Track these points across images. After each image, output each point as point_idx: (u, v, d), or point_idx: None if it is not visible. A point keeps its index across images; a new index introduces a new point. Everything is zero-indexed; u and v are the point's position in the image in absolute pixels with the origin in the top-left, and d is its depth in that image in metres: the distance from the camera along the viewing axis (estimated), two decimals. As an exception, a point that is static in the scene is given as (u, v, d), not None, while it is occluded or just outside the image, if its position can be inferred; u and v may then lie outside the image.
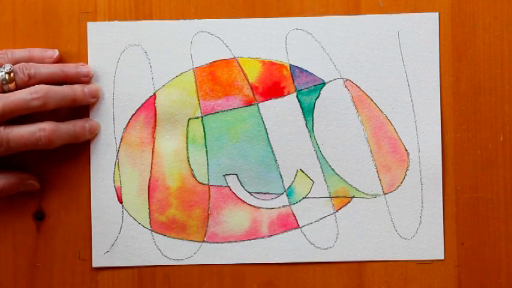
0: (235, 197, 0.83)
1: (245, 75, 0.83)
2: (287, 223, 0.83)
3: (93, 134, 0.82)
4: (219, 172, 0.83)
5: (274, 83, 0.83)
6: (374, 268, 0.83)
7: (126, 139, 0.83)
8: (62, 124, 0.80)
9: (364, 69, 0.83)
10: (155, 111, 0.83)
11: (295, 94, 0.83)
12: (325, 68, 0.83)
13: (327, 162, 0.83)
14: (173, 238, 0.83)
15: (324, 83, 0.83)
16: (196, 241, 0.83)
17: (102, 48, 0.83)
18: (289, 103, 0.83)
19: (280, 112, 0.83)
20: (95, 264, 0.83)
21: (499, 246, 0.82)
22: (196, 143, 0.83)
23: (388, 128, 0.83)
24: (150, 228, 0.83)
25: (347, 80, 0.83)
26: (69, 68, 0.81)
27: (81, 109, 0.82)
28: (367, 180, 0.83)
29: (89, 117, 0.83)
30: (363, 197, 0.83)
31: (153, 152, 0.83)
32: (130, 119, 0.83)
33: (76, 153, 0.82)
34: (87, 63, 0.83)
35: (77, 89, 0.81)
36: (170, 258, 0.83)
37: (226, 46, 0.83)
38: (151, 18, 0.83)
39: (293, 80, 0.83)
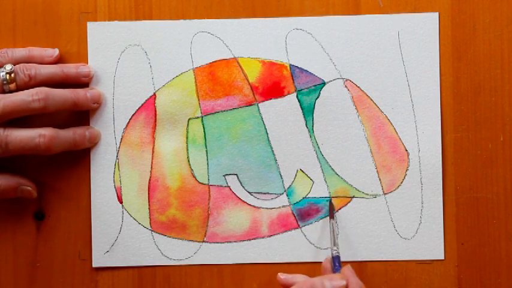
0: (235, 197, 0.83)
1: (245, 75, 0.83)
2: (287, 223, 0.83)
3: (93, 142, 0.82)
4: (219, 172, 0.83)
5: (274, 83, 0.83)
6: (374, 268, 0.83)
7: (126, 139, 0.83)
8: (61, 131, 0.80)
9: (364, 69, 0.83)
10: (155, 111, 0.83)
11: (295, 94, 0.83)
12: (325, 68, 0.83)
13: (327, 162, 0.83)
14: (173, 238, 0.83)
15: (324, 83, 0.83)
16: (196, 241, 0.83)
17: (102, 48, 0.83)
18: (289, 103, 0.83)
19: (280, 112, 0.83)
20: (95, 264, 0.83)
21: (499, 246, 0.82)
22: (196, 143, 0.83)
23: (388, 128, 0.83)
24: (150, 228, 0.83)
25: (347, 80, 0.83)
26: (70, 68, 0.81)
27: (81, 111, 0.82)
28: (367, 180, 0.83)
29: (89, 117, 0.83)
30: (363, 197, 0.83)
31: (153, 152, 0.83)
32: (130, 119, 0.83)
33: (76, 153, 0.82)
34: (87, 63, 0.83)
35: (78, 93, 0.81)
36: (170, 258, 0.83)
37: (226, 46, 0.83)
38: (151, 18, 0.83)
39: (293, 80, 0.83)
